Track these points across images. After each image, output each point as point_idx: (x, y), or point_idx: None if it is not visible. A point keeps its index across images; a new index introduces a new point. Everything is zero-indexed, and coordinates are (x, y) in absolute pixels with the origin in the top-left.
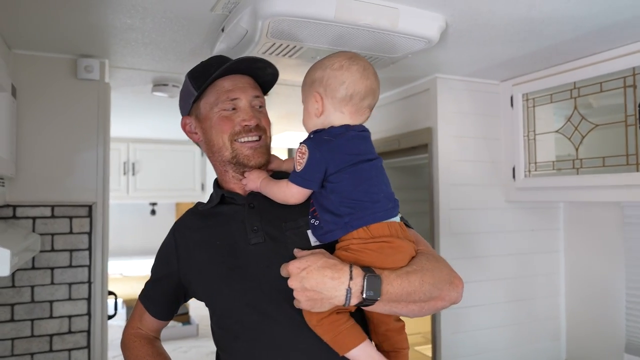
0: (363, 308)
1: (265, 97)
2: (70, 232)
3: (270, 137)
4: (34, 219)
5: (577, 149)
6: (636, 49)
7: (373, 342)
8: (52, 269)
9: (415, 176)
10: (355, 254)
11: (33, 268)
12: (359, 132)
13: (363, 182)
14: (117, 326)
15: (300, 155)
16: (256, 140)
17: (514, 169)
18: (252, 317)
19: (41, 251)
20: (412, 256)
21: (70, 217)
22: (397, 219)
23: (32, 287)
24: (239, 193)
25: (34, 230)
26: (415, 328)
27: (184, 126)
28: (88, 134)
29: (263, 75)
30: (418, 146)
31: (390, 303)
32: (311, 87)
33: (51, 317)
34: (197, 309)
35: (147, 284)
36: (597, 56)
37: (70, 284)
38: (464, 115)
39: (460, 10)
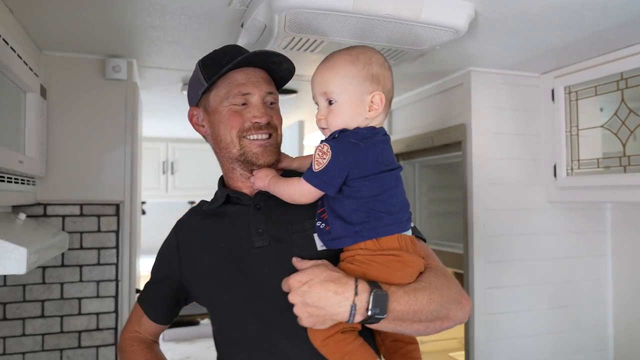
0: (367, 326)
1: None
2: (99, 231)
3: (281, 136)
4: (63, 217)
5: (624, 145)
6: None
7: (382, 354)
8: (80, 266)
9: (450, 175)
10: (362, 267)
11: (62, 265)
12: (384, 136)
13: (383, 192)
14: None
15: (320, 154)
16: (266, 139)
17: (555, 167)
18: (253, 325)
19: (70, 249)
20: (420, 272)
21: (99, 216)
22: (409, 232)
23: (62, 284)
24: (246, 193)
25: (63, 229)
26: (451, 332)
27: (190, 117)
28: (116, 134)
29: (278, 70)
30: (452, 143)
31: (396, 321)
32: (370, 82)
33: (80, 313)
34: None
35: (146, 285)
36: None
37: (98, 282)
38: (501, 111)
39: None
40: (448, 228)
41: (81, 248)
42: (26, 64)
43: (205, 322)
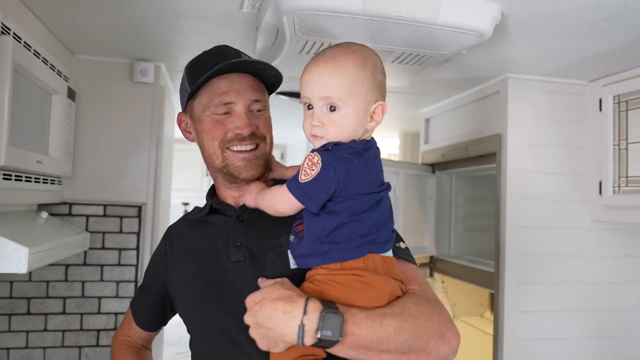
0: (326, 351)
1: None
2: (120, 232)
3: (270, 145)
4: (87, 217)
5: None
6: None
7: None
8: (101, 266)
9: (488, 187)
10: (320, 287)
11: (85, 264)
12: (377, 149)
13: (364, 212)
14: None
15: (310, 164)
16: (251, 150)
17: (600, 184)
18: (220, 343)
19: (92, 248)
20: (394, 296)
21: (121, 217)
22: (388, 253)
23: (83, 282)
24: (230, 204)
25: (87, 228)
26: (483, 356)
27: (179, 123)
28: (141, 136)
29: (265, 76)
30: (486, 154)
31: (358, 349)
32: (375, 91)
33: (99, 312)
34: None
35: (138, 288)
36: None
37: (117, 282)
38: (541, 121)
39: None
40: (484, 244)
41: (103, 248)
42: (53, 68)
43: None
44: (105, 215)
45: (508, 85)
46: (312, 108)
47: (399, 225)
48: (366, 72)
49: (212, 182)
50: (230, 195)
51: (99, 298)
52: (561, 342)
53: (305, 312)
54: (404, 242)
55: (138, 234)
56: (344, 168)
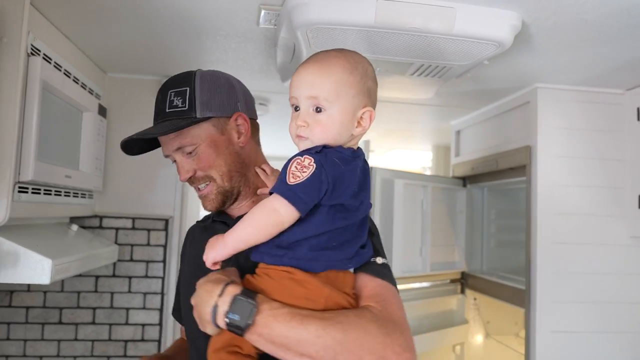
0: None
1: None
2: (148, 244)
3: (223, 176)
4: (117, 229)
5: None
6: None
7: None
8: (130, 277)
9: (519, 201)
10: (256, 279)
11: (114, 276)
12: (364, 164)
13: (334, 229)
14: None
15: (299, 167)
16: (202, 189)
17: None
18: (192, 352)
19: (121, 260)
20: (338, 305)
21: (149, 230)
22: (350, 269)
23: (112, 293)
24: (229, 214)
25: (116, 241)
26: None
27: None
28: None
29: (179, 119)
30: (517, 167)
31: (276, 345)
32: (363, 96)
33: (127, 323)
34: None
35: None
36: None
37: (145, 294)
38: (573, 132)
39: (537, 3)
40: (517, 260)
41: (131, 260)
42: (84, 86)
43: None
44: (133, 228)
45: (537, 95)
46: (299, 110)
47: (426, 240)
48: (355, 76)
49: None
50: (230, 210)
51: (127, 309)
52: None
53: (221, 294)
54: (383, 257)
55: (165, 246)
56: (333, 172)
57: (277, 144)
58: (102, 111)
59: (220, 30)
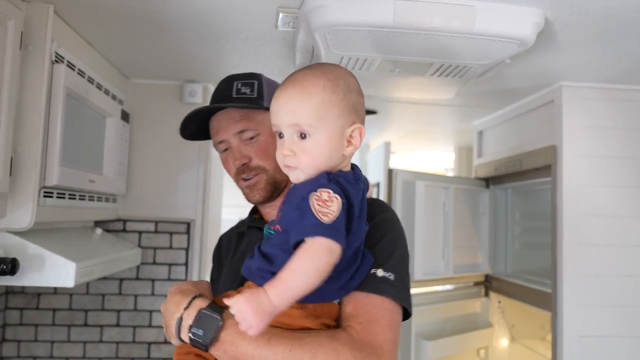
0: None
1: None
2: (170, 247)
3: (275, 168)
4: (140, 233)
5: None
6: None
7: None
8: (153, 280)
9: (544, 202)
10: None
11: (137, 279)
12: (366, 181)
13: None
14: None
15: (322, 203)
16: (252, 178)
17: None
18: None
19: (144, 263)
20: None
21: (171, 233)
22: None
23: (136, 296)
24: (263, 219)
25: (139, 244)
26: None
27: None
28: (190, 156)
29: (248, 101)
30: (541, 167)
31: None
32: (350, 113)
33: (150, 325)
34: None
35: None
36: None
37: None
38: (600, 131)
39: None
40: (543, 262)
41: (154, 263)
42: (107, 92)
43: None
44: (156, 231)
45: (562, 94)
46: (282, 137)
47: (449, 242)
48: (337, 94)
49: None
50: (265, 212)
51: (150, 312)
52: None
53: (187, 307)
54: (386, 268)
55: (187, 249)
56: (356, 199)
57: None
58: (125, 116)
59: (239, 34)
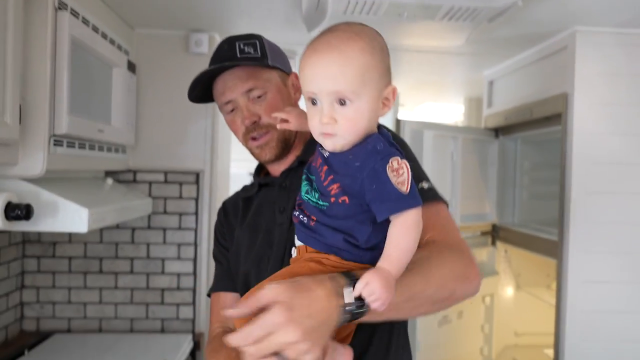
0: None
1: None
2: (180, 197)
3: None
4: (150, 183)
5: None
6: None
7: None
8: (164, 229)
9: (554, 152)
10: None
11: (149, 228)
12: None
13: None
14: None
15: (397, 172)
16: (262, 136)
17: None
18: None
19: (155, 213)
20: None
21: (180, 183)
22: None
23: (148, 244)
24: (272, 175)
25: (150, 194)
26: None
27: None
28: (198, 106)
29: (255, 59)
30: (551, 116)
31: (387, 312)
32: (386, 74)
33: (163, 273)
34: None
35: (215, 274)
36: None
37: (179, 245)
38: (613, 77)
39: None
40: (551, 211)
41: (165, 213)
42: (112, 42)
43: None
44: (166, 181)
45: (576, 39)
46: (316, 104)
47: (456, 192)
48: (375, 57)
49: None
50: (273, 169)
51: (163, 259)
52: (629, 316)
53: (340, 292)
54: (426, 180)
55: (196, 199)
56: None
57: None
58: (132, 67)
59: None
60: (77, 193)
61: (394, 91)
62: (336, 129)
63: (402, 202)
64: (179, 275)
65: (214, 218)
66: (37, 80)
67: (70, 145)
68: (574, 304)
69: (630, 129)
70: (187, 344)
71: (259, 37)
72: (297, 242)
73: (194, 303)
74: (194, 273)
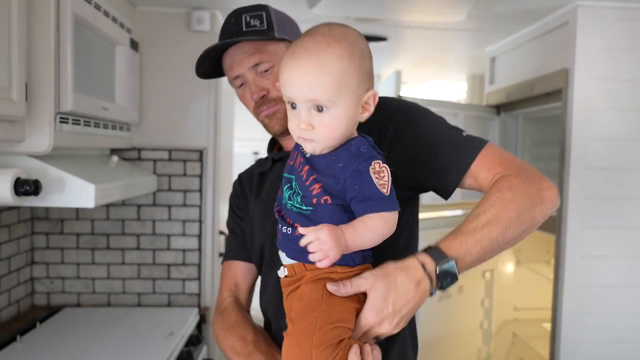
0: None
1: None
2: (184, 175)
3: None
4: (154, 161)
5: None
6: None
7: None
8: (169, 206)
9: (555, 129)
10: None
11: (154, 205)
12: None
13: None
14: None
15: (378, 175)
16: (272, 106)
17: None
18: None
19: (160, 190)
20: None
21: (184, 161)
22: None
23: (154, 221)
24: (285, 150)
25: (154, 171)
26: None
27: None
28: (201, 84)
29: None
30: (553, 92)
31: (474, 263)
32: (365, 80)
33: (169, 249)
34: None
35: (229, 244)
36: None
37: (184, 221)
38: (614, 53)
39: None
40: None
41: (169, 190)
42: (115, 20)
43: None
44: (170, 159)
45: (578, 14)
46: (296, 107)
47: None
48: (353, 63)
49: None
50: (285, 143)
51: (168, 236)
52: (626, 290)
53: (426, 274)
54: (462, 131)
55: (200, 176)
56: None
57: None
58: (134, 45)
59: None
60: (84, 170)
61: (375, 96)
62: (313, 135)
63: (383, 203)
64: (184, 251)
65: (218, 195)
66: (41, 59)
67: (76, 122)
68: (572, 278)
69: (630, 104)
70: (193, 317)
71: (265, 8)
72: (286, 260)
73: (199, 278)
74: (199, 249)
